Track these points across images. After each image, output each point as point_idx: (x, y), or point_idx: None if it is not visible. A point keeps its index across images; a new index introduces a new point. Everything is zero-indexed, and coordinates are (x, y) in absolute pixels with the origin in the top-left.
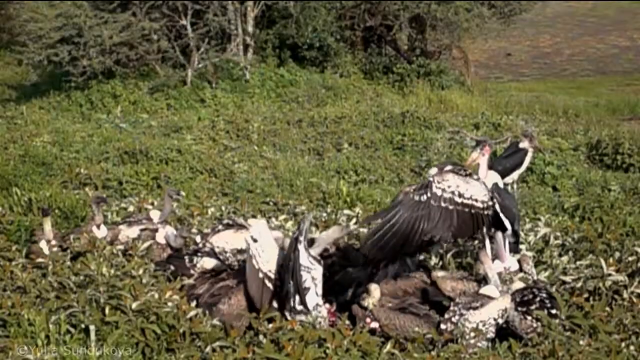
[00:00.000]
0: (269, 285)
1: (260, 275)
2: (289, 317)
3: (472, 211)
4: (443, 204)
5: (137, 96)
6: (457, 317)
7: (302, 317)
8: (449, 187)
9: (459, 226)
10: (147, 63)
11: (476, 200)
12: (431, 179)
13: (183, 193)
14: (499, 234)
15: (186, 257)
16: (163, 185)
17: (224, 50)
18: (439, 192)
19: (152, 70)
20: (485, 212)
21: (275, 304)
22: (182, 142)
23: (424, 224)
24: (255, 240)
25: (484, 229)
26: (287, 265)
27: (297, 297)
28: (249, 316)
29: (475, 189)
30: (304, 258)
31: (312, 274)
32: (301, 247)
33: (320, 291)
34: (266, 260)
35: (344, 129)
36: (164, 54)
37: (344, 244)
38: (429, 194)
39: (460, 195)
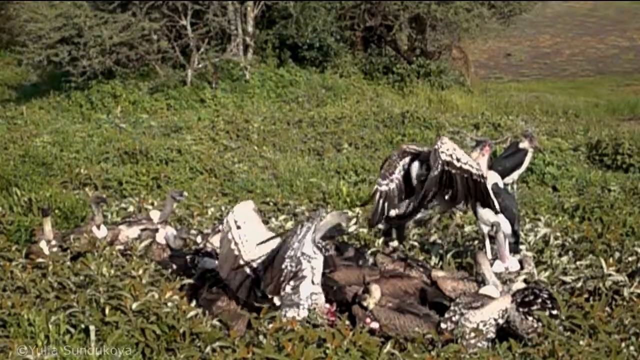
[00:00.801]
0: (249, 272)
1: (241, 262)
2: (276, 301)
3: (473, 178)
4: (446, 168)
5: (137, 96)
6: (457, 316)
7: (294, 312)
8: (447, 149)
9: (460, 189)
10: (147, 63)
11: (472, 166)
12: (436, 146)
13: (186, 194)
14: (500, 234)
15: (187, 257)
16: (163, 186)
17: (224, 50)
18: (443, 157)
19: (152, 70)
20: (482, 180)
21: (258, 292)
22: (182, 142)
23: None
24: (238, 227)
25: (478, 204)
26: (282, 252)
27: (288, 287)
28: (249, 316)
29: (469, 157)
30: (308, 247)
31: (312, 264)
32: (309, 235)
33: (318, 280)
34: (249, 250)
35: (343, 129)
36: (164, 54)
37: (342, 244)
38: (440, 162)
39: (458, 160)
